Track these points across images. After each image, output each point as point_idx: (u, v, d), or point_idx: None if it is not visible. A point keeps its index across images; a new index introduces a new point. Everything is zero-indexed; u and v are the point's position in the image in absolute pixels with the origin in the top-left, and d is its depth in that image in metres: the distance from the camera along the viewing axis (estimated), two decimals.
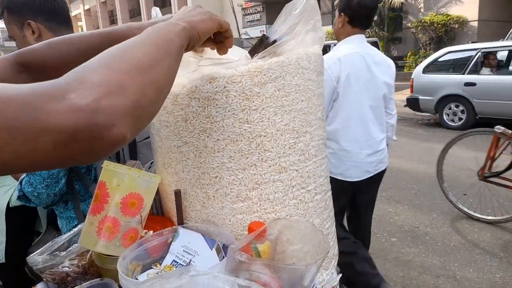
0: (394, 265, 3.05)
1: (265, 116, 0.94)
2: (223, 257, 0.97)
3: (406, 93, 9.07)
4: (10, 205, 2.02)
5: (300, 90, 0.98)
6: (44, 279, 1.02)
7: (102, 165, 1.01)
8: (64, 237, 1.11)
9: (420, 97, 8.06)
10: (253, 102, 0.92)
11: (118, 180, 0.97)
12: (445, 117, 7.83)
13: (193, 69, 0.96)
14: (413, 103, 8.21)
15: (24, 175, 1.44)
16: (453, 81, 7.60)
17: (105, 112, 0.44)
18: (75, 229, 1.13)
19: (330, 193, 1.15)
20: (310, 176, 1.03)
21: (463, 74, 7.50)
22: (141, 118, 0.50)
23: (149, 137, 1.19)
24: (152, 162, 1.26)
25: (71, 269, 1.01)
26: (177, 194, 1.03)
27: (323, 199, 1.08)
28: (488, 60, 7.40)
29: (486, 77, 7.24)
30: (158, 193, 1.19)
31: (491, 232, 3.47)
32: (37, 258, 1.01)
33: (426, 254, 3.19)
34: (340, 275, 1.01)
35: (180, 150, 1.01)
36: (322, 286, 0.97)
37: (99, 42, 0.82)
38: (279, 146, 0.96)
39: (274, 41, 0.97)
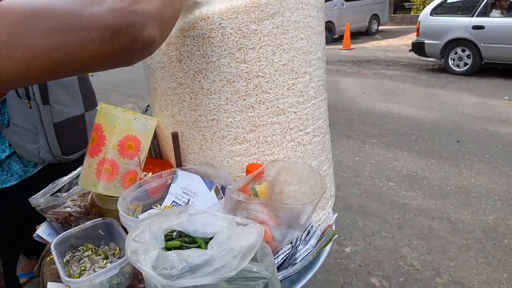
0: (390, 208, 3.14)
1: (263, 55, 0.90)
2: (222, 198, 0.99)
3: (412, 37, 8.78)
4: None
5: (300, 28, 0.93)
6: (48, 219, 1.05)
7: (97, 108, 1.00)
8: (65, 179, 1.12)
9: (426, 41, 7.80)
10: (250, 40, 0.88)
11: (113, 122, 0.96)
12: (450, 62, 7.63)
13: (187, 3, 0.90)
14: (418, 47, 7.96)
15: None
16: (461, 24, 7.30)
17: (138, 14, 0.50)
18: (75, 172, 1.14)
19: (328, 135, 1.14)
20: (309, 118, 1.01)
21: (472, 16, 7.19)
22: (165, 26, 0.57)
23: None
24: (149, 105, 1.25)
25: (73, 209, 1.03)
26: (174, 136, 1.03)
27: (321, 141, 1.07)
28: (499, 1, 7.06)
29: (495, 20, 6.94)
30: (156, 136, 1.19)
31: (488, 177, 3.52)
32: (39, 199, 1.03)
33: (422, 198, 3.27)
34: (336, 214, 1.04)
35: (176, 92, 0.99)
36: (319, 224, 0.99)
37: None
38: (277, 87, 0.94)
39: None
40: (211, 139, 0.99)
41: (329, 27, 12.34)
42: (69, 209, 1.03)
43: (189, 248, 0.72)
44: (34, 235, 1.07)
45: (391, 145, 4.40)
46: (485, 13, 7.12)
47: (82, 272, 0.88)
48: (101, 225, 1.00)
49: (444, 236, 2.77)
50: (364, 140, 4.58)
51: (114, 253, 0.96)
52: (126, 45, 0.50)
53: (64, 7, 0.48)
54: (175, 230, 0.77)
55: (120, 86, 8.02)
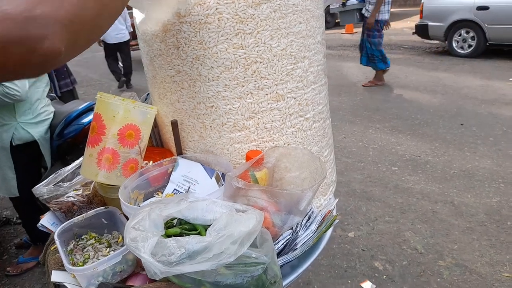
0: (393, 192, 3.14)
1: (261, 40, 0.89)
2: (223, 185, 0.99)
3: (415, 20, 8.64)
4: (13, 144, 2.05)
5: (298, 11, 0.92)
6: (51, 209, 1.06)
7: (96, 97, 0.99)
8: (68, 169, 1.13)
9: (429, 23, 7.68)
10: (248, 25, 0.87)
11: (113, 111, 0.96)
12: (454, 44, 7.52)
13: None
14: (422, 29, 7.84)
15: None
16: (465, 4, 7.17)
17: (37, 21, 0.41)
18: (77, 161, 1.15)
19: (329, 121, 1.13)
20: (309, 103, 1.00)
21: None
22: (80, 34, 0.46)
23: None
24: (148, 93, 1.24)
25: (76, 199, 1.04)
26: (174, 124, 1.02)
27: (321, 127, 1.07)
28: None
29: (500, 0, 6.83)
30: (156, 125, 1.19)
31: (492, 160, 3.50)
32: (42, 189, 1.04)
33: (425, 182, 3.26)
34: (337, 199, 1.04)
35: (174, 80, 0.98)
36: (320, 210, 1.00)
37: None
38: (276, 73, 0.93)
39: None
40: (211, 126, 0.99)
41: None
42: (72, 198, 1.04)
43: (189, 235, 0.73)
44: (38, 224, 1.08)
45: (394, 130, 4.38)
46: None
47: (86, 261, 0.89)
48: (103, 214, 1.01)
49: (447, 220, 2.77)
50: (367, 125, 4.56)
51: (117, 241, 0.97)
52: (20, 58, 0.42)
53: None
54: (175, 218, 0.78)
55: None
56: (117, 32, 6.15)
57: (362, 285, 2.24)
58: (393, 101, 5.31)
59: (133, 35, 6.62)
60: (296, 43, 0.93)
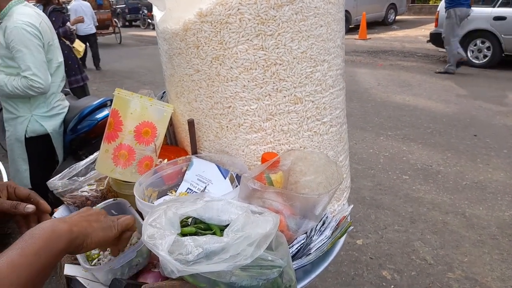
0: (403, 201, 3.10)
1: (281, 42, 0.88)
2: (237, 187, 0.98)
3: (430, 28, 8.58)
4: (26, 136, 2.08)
5: (319, 14, 0.91)
6: (65, 203, 1.06)
7: (114, 93, 1.00)
8: (82, 163, 1.14)
9: None
10: (269, 26, 0.87)
11: (130, 108, 0.97)
12: (469, 54, 7.45)
13: None
14: (437, 38, 7.78)
15: None
16: (481, 14, 7.10)
17: None
18: (92, 156, 1.15)
19: (345, 126, 1.12)
20: (326, 107, 1.00)
21: (494, 7, 6.98)
22: None
23: None
24: (164, 91, 1.24)
25: (90, 194, 1.04)
26: (191, 123, 1.02)
27: (338, 131, 1.06)
28: None
29: None
30: (171, 123, 1.19)
31: (505, 172, 3.45)
32: (57, 182, 1.04)
33: (437, 192, 3.22)
34: (352, 206, 1.03)
35: (192, 79, 0.98)
36: (333, 215, 0.98)
37: None
38: (295, 75, 0.92)
39: None
40: (227, 127, 0.99)
41: (345, 16, 12.07)
42: (86, 193, 1.04)
43: (204, 234, 0.73)
44: (52, 217, 1.08)
45: (406, 138, 4.34)
46: (507, 3, 6.89)
47: (99, 254, 0.89)
48: (113, 206, 1.00)
49: (458, 231, 2.73)
50: (379, 132, 4.52)
51: None
52: None
53: None
54: (191, 217, 0.78)
55: (135, 74, 8.08)
56: (85, 27, 7.79)
57: None
58: (405, 109, 5.27)
59: (97, 28, 8.98)
60: (316, 46, 0.93)
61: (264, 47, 0.88)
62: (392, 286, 2.26)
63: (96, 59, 8.77)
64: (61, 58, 2.15)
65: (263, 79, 0.91)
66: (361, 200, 3.15)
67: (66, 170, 1.10)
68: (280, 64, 0.90)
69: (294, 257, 0.85)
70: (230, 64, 0.90)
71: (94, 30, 8.33)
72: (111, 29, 12.19)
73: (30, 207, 0.72)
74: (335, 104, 1.02)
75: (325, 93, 0.98)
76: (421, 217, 2.91)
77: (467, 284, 2.25)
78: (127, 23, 18.13)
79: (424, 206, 3.05)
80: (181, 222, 0.77)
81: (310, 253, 0.86)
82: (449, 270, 2.36)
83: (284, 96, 0.93)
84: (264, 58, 0.89)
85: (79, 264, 0.84)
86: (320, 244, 0.87)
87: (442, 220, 2.86)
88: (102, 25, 10.96)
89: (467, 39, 7.37)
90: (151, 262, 0.92)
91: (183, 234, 0.72)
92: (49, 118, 2.13)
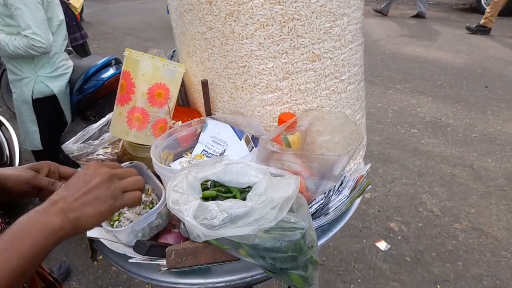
0: (412, 155, 3.11)
1: None
2: (252, 148, 0.97)
3: None
4: (33, 97, 2.06)
5: None
6: (81, 166, 1.07)
7: (124, 54, 0.96)
8: (95, 126, 1.12)
9: None
10: None
11: (142, 69, 0.93)
12: (482, 1, 7.11)
13: None
14: None
15: None
16: None
17: None
18: (104, 119, 1.14)
19: (363, 83, 1.09)
20: (345, 64, 0.96)
21: None
22: None
23: None
24: (174, 50, 1.20)
25: (105, 157, 1.04)
26: (204, 84, 0.99)
27: (356, 89, 1.03)
28: None
29: None
30: (183, 84, 1.16)
31: None
32: (72, 146, 1.04)
33: (445, 145, 3.21)
34: (369, 164, 1.02)
35: (205, 37, 0.94)
36: (350, 174, 0.98)
37: None
38: (313, 31, 0.87)
39: None
40: (242, 87, 0.96)
41: None
42: (101, 156, 1.04)
43: (225, 198, 0.73)
44: None
45: (415, 91, 4.26)
46: None
47: (120, 215, 0.90)
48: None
49: (465, 183, 2.76)
50: (387, 86, 4.44)
51: (146, 194, 0.97)
52: None
53: None
54: (210, 180, 0.78)
55: (135, 30, 7.84)
56: None
57: (377, 244, 2.29)
58: (415, 61, 5.13)
59: None
60: None
61: (281, 1, 0.83)
62: (400, 237, 2.32)
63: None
64: (62, 16, 2.08)
65: (280, 35, 0.86)
66: (369, 155, 3.16)
67: (79, 133, 1.09)
68: (298, 19, 0.85)
69: (313, 216, 0.86)
70: (245, 20, 0.86)
71: None
72: None
73: None
74: (353, 60, 0.98)
75: (344, 49, 0.94)
76: (429, 170, 2.93)
77: (473, 234, 2.30)
78: None
79: (432, 159, 3.06)
80: (201, 185, 0.77)
81: (328, 213, 0.86)
82: (456, 221, 2.41)
83: (302, 54, 0.89)
84: (281, 13, 0.84)
85: (101, 226, 0.86)
86: (339, 204, 0.87)
87: (450, 173, 2.88)
88: None
89: None
90: (170, 223, 0.93)
91: (205, 198, 0.72)
92: (54, 78, 2.09)
